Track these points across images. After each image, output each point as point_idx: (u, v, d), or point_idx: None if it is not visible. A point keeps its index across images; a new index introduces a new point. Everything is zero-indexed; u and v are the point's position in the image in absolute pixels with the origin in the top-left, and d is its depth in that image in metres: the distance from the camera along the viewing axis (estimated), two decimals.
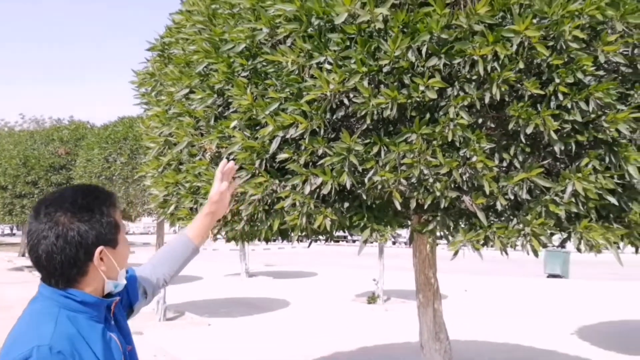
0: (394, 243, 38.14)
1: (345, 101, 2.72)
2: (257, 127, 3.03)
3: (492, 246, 2.88)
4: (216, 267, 22.41)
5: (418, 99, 2.64)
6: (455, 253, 2.95)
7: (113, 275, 1.54)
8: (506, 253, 2.89)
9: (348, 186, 2.78)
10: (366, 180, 2.77)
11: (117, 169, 10.60)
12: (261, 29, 2.99)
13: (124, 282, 1.59)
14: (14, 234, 53.08)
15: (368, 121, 2.71)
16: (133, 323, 6.64)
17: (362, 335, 9.32)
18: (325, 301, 13.24)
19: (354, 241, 42.74)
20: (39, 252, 1.45)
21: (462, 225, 3.00)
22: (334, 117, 2.82)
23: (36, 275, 7.39)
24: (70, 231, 1.44)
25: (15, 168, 15.64)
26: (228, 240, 3.77)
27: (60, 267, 1.45)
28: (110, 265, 1.52)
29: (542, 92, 2.65)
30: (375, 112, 2.67)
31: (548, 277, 18.44)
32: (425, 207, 2.79)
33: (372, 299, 12.37)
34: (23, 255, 30.00)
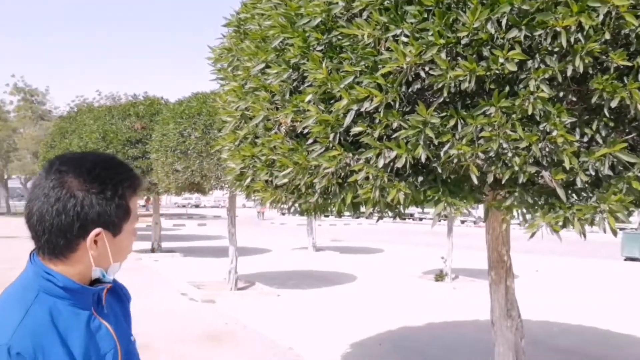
0: (462, 222, 37.56)
1: (422, 74, 2.70)
2: (332, 101, 3.05)
3: (572, 228, 2.79)
4: (284, 240, 22.83)
5: (497, 72, 2.59)
6: (533, 234, 2.89)
7: (103, 265, 1.33)
8: (584, 236, 2.81)
9: (423, 160, 2.77)
10: (442, 153, 2.75)
11: (192, 144, 10.90)
12: (337, 3, 3.00)
13: (111, 277, 1.38)
14: None
15: (445, 94, 2.67)
16: (205, 292, 6.94)
17: (429, 312, 9.30)
18: (392, 277, 13.27)
19: (421, 219, 42.31)
20: (33, 210, 1.28)
21: (540, 203, 2.93)
22: (410, 90, 2.80)
23: None
24: (72, 198, 1.26)
25: (95, 142, 16.35)
26: (301, 212, 3.84)
27: (48, 232, 1.27)
28: (103, 253, 1.31)
29: (629, 64, 2.54)
30: (453, 85, 2.64)
31: (625, 260, 17.72)
32: (503, 182, 2.75)
33: (439, 276, 12.29)
34: None
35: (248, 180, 3.76)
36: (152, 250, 17.07)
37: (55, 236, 1.27)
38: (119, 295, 1.51)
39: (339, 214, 3.67)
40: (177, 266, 14.32)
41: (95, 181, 1.28)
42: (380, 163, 2.90)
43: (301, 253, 17.94)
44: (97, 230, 1.28)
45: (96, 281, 1.37)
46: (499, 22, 2.56)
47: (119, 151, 15.93)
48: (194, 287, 10.42)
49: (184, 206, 63.19)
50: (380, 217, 4.72)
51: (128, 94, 44.18)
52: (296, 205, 3.64)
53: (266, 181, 3.62)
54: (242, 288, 10.53)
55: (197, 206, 68.17)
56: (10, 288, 1.30)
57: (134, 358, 1.43)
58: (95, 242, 1.29)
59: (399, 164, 2.83)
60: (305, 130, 3.23)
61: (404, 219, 43.39)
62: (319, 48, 3.13)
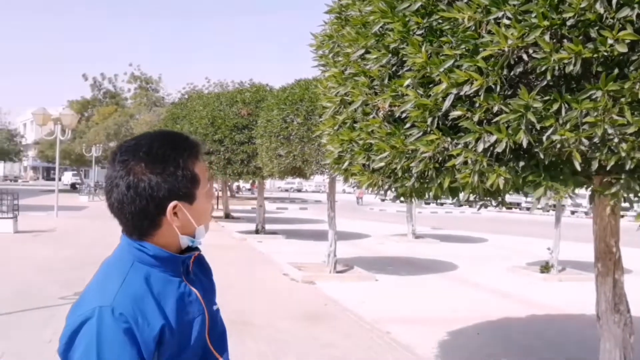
0: (572, 213, 35.73)
1: (524, 57, 2.63)
2: (431, 85, 3.04)
3: None
4: (383, 227, 22.84)
5: (605, 53, 2.48)
6: None
7: (189, 231, 1.42)
8: None
9: (524, 145, 2.71)
10: (544, 138, 2.67)
11: (294, 129, 11.17)
12: None
13: (202, 239, 1.46)
14: None
15: (548, 77, 2.60)
16: (306, 273, 7.16)
17: (532, 304, 9.01)
18: (494, 267, 12.94)
19: (528, 209, 40.75)
20: (112, 200, 1.37)
21: None
22: (511, 73, 2.74)
23: (221, 225, 8.32)
24: (141, 182, 1.33)
25: (204, 127, 17.13)
26: (397, 196, 3.87)
27: (131, 217, 1.36)
28: (185, 221, 1.39)
29: None
30: (557, 68, 2.55)
31: None
32: (608, 168, 2.63)
33: (545, 268, 11.82)
34: None
35: (346, 163, 3.84)
36: (257, 232, 17.69)
37: (138, 219, 1.36)
38: (204, 265, 1.59)
39: (436, 199, 3.67)
40: (279, 247, 14.76)
41: (155, 161, 1.35)
42: (480, 147, 2.87)
43: (400, 239, 17.88)
44: (172, 203, 1.35)
45: (185, 251, 1.46)
46: (609, 1, 2.45)
47: (226, 136, 16.60)
48: (294, 268, 10.72)
49: (286, 190, 64.71)
50: (483, 205, 4.64)
51: (235, 81, 45.76)
52: (392, 189, 3.67)
53: (363, 165, 3.68)
54: (340, 271, 10.70)
55: (299, 190, 69.64)
56: (109, 259, 1.42)
57: (219, 325, 1.53)
58: (175, 213, 1.37)
59: (499, 149, 2.79)
60: (403, 115, 3.25)
61: (510, 208, 41.95)
62: (419, 32, 3.13)
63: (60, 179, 31.91)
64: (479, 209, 4.64)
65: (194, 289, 1.44)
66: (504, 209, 43.46)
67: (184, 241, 1.42)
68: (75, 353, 1.26)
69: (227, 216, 24.74)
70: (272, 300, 8.36)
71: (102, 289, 1.32)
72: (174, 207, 1.36)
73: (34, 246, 13.07)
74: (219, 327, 1.54)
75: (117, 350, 1.25)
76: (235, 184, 53.73)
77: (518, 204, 42.00)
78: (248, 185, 58.33)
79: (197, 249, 1.49)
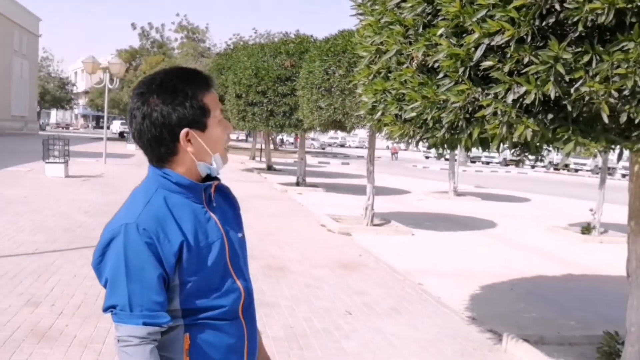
0: (623, 176, 34.73)
1: (557, 7, 2.61)
2: (463, 35, 3.04)
3: None
4: (425, 183, 22.79)
5: None
6: None
7: (205, 158, 1.54)
8: None
9: (552, 96, 2.70)
10: (573, 91, 2.67)
11: (336, 81, 11.16)
12: None
13: (219, 167, 1.58)
14: (247, 140, 58.92)
15: (580, 28, 2.57)
16: (343, 225, 7.30)
17: (569, 264, 8.98)
18: (534, 226, 12.85)
19: (576, 171, 39.78)
20: (133, 130, 1.53)
21: None
22: (543, 24, 2.71)
23: (263, 176, 8.57)
24: (154, 112, 1.48)
25: (248, 78, 17.24)
26: (429, 147, 3.91)
27: (149, 144, 1.51)
28: (199, 147, 1.52)
29: None
30: (589, 18, 2.52)
31: None
32: (637, 122, 2.61)
33: (586, 229, 11.67)
34: (253, 158, 33.50)
35: (379, 114, 3.88)
36: (297, 184, 17.92)
37: (155, 146, 1.52)
38: (230, 199, 1.70)
39: (467, 150, 3.69)
40: (318, 200, 14.96)
41: (166, 92, 1.49)
42: (509, 99, 2.88)
43: (441, 197, 17.83)
44: (184, 130, 1.49)
45: (208, 179, 1.59)
46: None
47: (269, 88, 16.68)
48: (332, 219, 10.89)
49: (329, 145, 64.81)
50: (518, 162, 4.64)
51: (282, 32, 45.52)
52: (424, 139, 3.71)
53: (396, 115, 3.72)
54: (377, 224, 10.82)
55: (342, 146, 69.66)
56: (138, 187, 1.57)
57: (240, 252, 1.65)
58: (189, 140, 1.50)
59: (528, 100, 2.79)
60: (436, 65, 3.27)
61: (557, 169, 41.08)
62: None
63: (108, 128, 32.75)
64: (517, 164, 4.63)
65: (213, 215, 1.57)
66: (551, 169, 42.76)
67: (202, 168, 1.55)
68: (107, 264, 1.46)
69: (270, 168, 25.05)
70: (308, 249, 8.57)
71: (129, 210, 1.49)
72: (187, 134, 1.50)
73: (83, 190, 13.63)
74: (240, 254, 1.64)
75: (142, 259, 1.43)
76: (279, 137, 54.10)
77: (567, 165, 41.10)
78: (292, 139, 58.71)
79: (217, 178, 1.61)
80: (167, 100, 1.49)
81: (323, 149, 60.61)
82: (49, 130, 63.89)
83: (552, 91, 2.67)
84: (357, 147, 68.27)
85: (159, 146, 1.51)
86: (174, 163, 1.53)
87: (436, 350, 4.88)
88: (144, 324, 1.41)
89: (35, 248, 7.37)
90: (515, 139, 3.03)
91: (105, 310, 1.46)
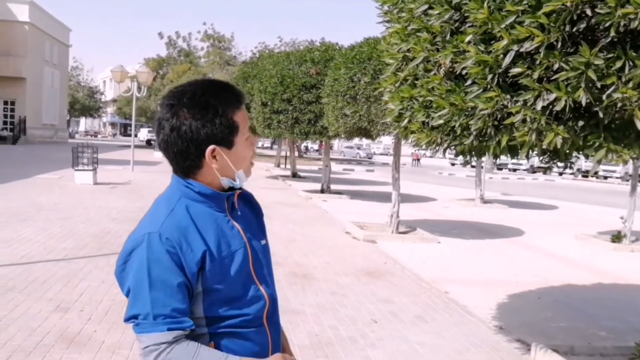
0: None
1: (588, 12, 2.57)
2: (492, 41, 3.02)
3: None
4: (451, 191, 22.61)
5: None
6: None
7: (229, 174, 1.54)
8: None
9: (584, 103, 2.67)
10: (604, 97, 2.62)
11: (361, 88, 11.14)
12: None
13: (242, 182, 1.58)
14: (272, 148, 59.10)
15: (612, 33, 2.53)
16: (367, 232, 7.24)
17: (599, 272, 8.81)
18: (562, 234, 12.64)
19: (605, 178, 39.08)
20: (159, 140, 1.53)
21: None
22: (574, 29, 2.68)
23: (288, 183, 8.58)
24: (183, 125, 1.47)
25: (274, 86, 17.32)
26: (456, 154, 3.88)
27: (174, 157, 1.51)
28: (224, 164, 1.52)
29: None
30: (622, 23, 2.48)
31: None
32: None
33: (616, 237, 11.43)
34: (278, 165, 33.62)
35: (405, 121, 3.87)
36: (322, 191, 17.92)
37: (181, 159, 1.52)
38: (253, 206, 1.72)
39: (495, 157, 3.66)
40: (343, 207, 14.94)
41: (197, 107, 1.48)
42: (539, 105, 2.85)
43: (467, 204, 17.67)
44: (211, 147, 1.49)
45: (231, 189, 1.59)
46: None
47: (295, 95, 16.74)
48: (357, 227, 10.86)
49: (355, 148, 64.63)
50: (546, 169, 4.58)
51: (307, 40, 45.74)
52: (451, 147, 3.69)
53: (423, 122, 3.70)
54: (403, 232, 10.75)
55: (368, 157, 69.48)
56: (161, 195, 1.58)
57: (264, 259, 1.65)
58: (214, 157, 1.50)
59: (558, 107, 2.76)
60: (464, 72, 3.25)
61: (586, 176, 40.43)
62: None
63: (136, 135, 33.19)
64: (544, 171, 4.58)
65: (236, 224, 1.57)
66: (579, 176, 42.12)
67: (225, 182, 1.56)
68: (129, 273, 1.46)
69: (294, 175, 25.11)
70: (333, 256, 8.55)
71: (153, 219, 1.50)
72: (213, 150, 1.50)
73: (111, 197, 13.82)
74: (264, 261, 1.64)
75: (164, 268, 1.43)
76: (304, 144, 54.24)
77: (596, 172, 40.37)
78: (316, 146, 58.74)
79: (240, 188, 1.62)
80: (197, 115, 1.48)
81: (370, 157, 59.74)
82: (78, 138, 65.03)
83: (583, 98, 2.64)
84: (382, 154, 68.09)
85: (185, 160, 1.52)
86: (198, 175, 1.54)
87: None
88: (169, 329, 1.42)
89: (65, 254, 7.48)
90: (544, 146, 2.99)
91: (127, 320, 1.46)
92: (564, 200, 21.21)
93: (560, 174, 38.37)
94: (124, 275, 1.48)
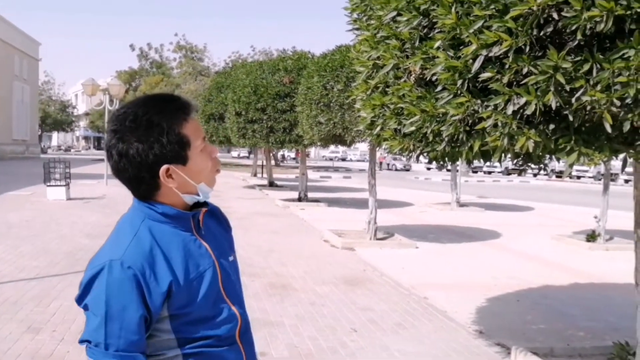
0: (626, 182, 34.61)
1: (554, 15, 2.57)
2: (461, 47, 3.01)
3: None
4: (427, 195, 22.71)
5: (639, 10, 2.40)
6: None
7: (190, 190, 1.46)
8: None
9: (553, 106, 2.66)
10: (574, 100, 2.62)
11: (334, 96, 11.14)
12: None
13: (205, 195, 1.50)
14: (249, 157, 58.88)
15: (579, 37, 2.53)
16: (346, 240, 7.20)
17: (576, 273, 8.89)
18: (539, 235, 12.76)
19: (578, 177, 39.69)
20: (111, 168, 1.45)
21: None
22: (541, 33, 2.68)
23: (265, 193, 8.49)
24: (130, 149, 1.38)
25: (247, 96, 17.25)
26: (429, 160, 3.86)
27: (129, 182, 1.44)
28: (182, 181, 1.43)
29: None
30: (588, 27, 2.49)
31: None
32: None
33: (591, 237, 11.57)
34: (255, 175, 33.48)
35: (378, 129, 3.85)
36: (299, 200, 17.86)
37: (136, 184, 1.44)
38: (219, 219, 1.65)
39: (469, 163, 3.65)
40: (321, 215, 14.89)
41: (140, 128, 1.39)
42: (509, 110, 2.84)
43: (444, 208, 17.76)
44: (164, 167, 1.40)
45: (197, 205, 1.52)
46: None
47: (269, 105, 16.69)
48: (335, 234, 10.82)
49: (330, 159, 64.82)
50: (521, 171, 4.57)
51: (279, 49, 45.76)
52: (424, 153, 3.67)
53: (395, 130, 3.68)
54: (381, 238, 10.75)
55: (343, 159, 69.69)
56: (122, 218, 1.50)
57: (233, 276, 1.58)
58: (170, 176, 1.42)
59: (529, 111, 2.75)
60: (434, 78, 3.23)
61: (559, 176, 41.02)
62: None
63: None
64: (519, 173, 4.60)
65: (204, 243, 1.50)
66: (553, 177, 42.77)
67: (188, 199, 1.48)
68: (88, 299, 1.40)
69: (271, 184, 25.01)
70: (311, 265, 8.49)
71: (115, 244, 1.42)
72: (167, 170, 1.41)
73: (85, 212, 13.58)
74: (234, 278, 1.59)
75: (124, 299, 1.36)
76: (280, 152, 54.13)
77: (569, 173, 40.94)
78: (293, 154, 58.66)
79: (205, 204, 1.54)
80: (142, 137, 1.39)
81: (344, 160, 59.26)
82: (51, 153, 64.05)
83: (552, 101, 2.63)
84: (358, 161, 68.30)
85: (139, 184, 1.44)
86: (158, 197, 1.46)
87: None
88: None
89: (37, 273, 7.31)
90: (517, 150, 2.98)
91: (81, 342, 1.41)
92: (539, 202, 21.46)
93: (535, 175, 38.85)
94: (84, 303, 1.41)
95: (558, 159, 3.29)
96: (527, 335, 5.65)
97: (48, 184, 16.07)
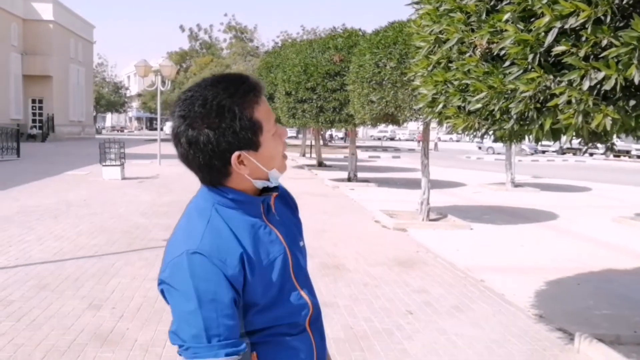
0: None
1: None
2: (532, 19, 2.84)
3: None
4: (481, 175, 22.26)
5: None
6: None
7: (261, 176, 1.40)
8: None
9: (636, 81, 2.48)
10: None
11: (387, 74, 10.93)
12: None
13: (275, 182, 1.44)
14: (297, 137, 59.08)
15: None
16: (398, 221, 7.08)
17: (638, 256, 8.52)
18: (598, 217, 12.31)
19: (638, 157, 38.07)
20: (179, 155, 1.38)
21: None
22: (624, 2, 2.49)
23: (314, 173, 8.41)
24: (200, 137, 1.31)
25: (297, 75, 17.18)
26: (496, 139, 3.71)
27: (199, 170, 1.38)
28: (253, 167, 1.37)
29: None
30: None
31: None
32: None
33: None
34: (303, 155, 33.55)
35: (440, 106, 3.71)
36: (349, 180, 17.78)
37: (206, 172, 1.37)
38: (288, 202, 1.58)
39: (537, 142, 3.48)
40: (371, 195, 14.78)
41: (211, 115, 1.31)
42: (585, 85, 2.67)
43: (498, 188, 17.35)
44: (235, 154, 1.33)
45: (266, 189, 1.45)
46: None
47: (318, 84, 16.59)
48: (386, 215, 10.71)
49: (379, 139, 64.40)
50: (585, 151, 4.38)
51: (328, 28, 45.45)
52: (490, 132, 3.52)
53: (459, 107, 3.54)
54: (434, 219, 10.57)
55: (392, 139, 69.15)
56: (191, 203, 1.44)
57: (303, 263, 1.52)
58: (242, 162, 1.35)
59: (608, 86, 2.58)
60: (502, 52, 3.08)
61: (618, 155, 39.47)
62: None
63: (162, 129, 33.41)
64: (583, 153, 4.38)
65: (274, 229, 1.44)
66: (611, 156, 41.20)
67: (258, 184, 1.42)
68: (174, 295, 1.31)
69: (320, 164, 24.99)
70: (363, 246, 8.42)
71: (189, 233, 1.35)
72: (238, 157, 1.34)
73: (139, 192, 13.88)
74: (303, 264, 1.53)
75: (213, 284, 1.29)
76: (328, 132, 54.06)
77: (627, 152, 39.42)
78: (341, 134, 58.50)
79: (276, 188, 1.48)
80: (213, 124, 1.31)
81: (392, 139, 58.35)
82: (105, 133, 65.89)
83: (635, 75, 2.45)
84: (407, 140, 67.59)
85: (210, 171, 1.37)
86: (228, 182, 1.39)
87: (504, 352, 4.66)
88: (227, 354, 1.28)
89: (95, 251, 7.49)
90: (592, 129, 2.81)
91: (175, 343, 1.32)
92: (597, 182, 20.72)
93: (591, 154, 37.52)
94: (167, 296, 1.34)
95: (638, 138, 3.09)
96: (590, 321, 5.44)
97: (104, 164, 16.49)
